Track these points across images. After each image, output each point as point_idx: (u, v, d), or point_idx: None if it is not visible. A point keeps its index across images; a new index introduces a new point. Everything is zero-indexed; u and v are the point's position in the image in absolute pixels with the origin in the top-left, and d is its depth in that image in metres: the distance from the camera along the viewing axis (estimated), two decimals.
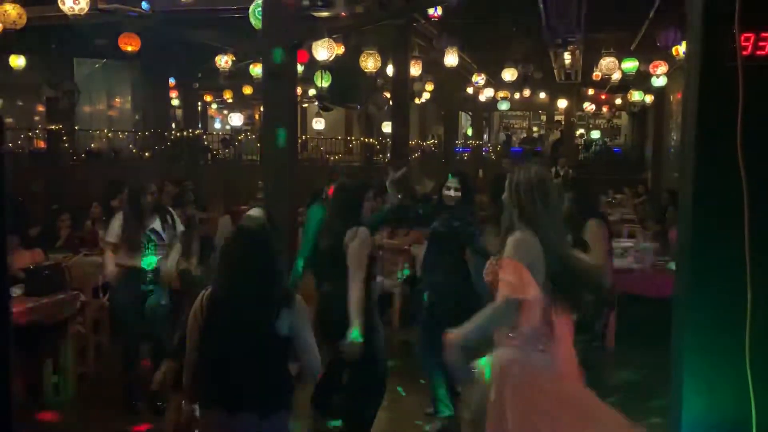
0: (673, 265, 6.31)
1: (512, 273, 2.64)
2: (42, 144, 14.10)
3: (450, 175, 4.49)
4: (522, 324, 2.67)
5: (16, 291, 4.93)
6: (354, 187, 3.96)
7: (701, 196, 1.82)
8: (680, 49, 8.79)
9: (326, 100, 10.89)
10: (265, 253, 2.65)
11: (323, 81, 9.87)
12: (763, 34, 1.75)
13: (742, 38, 1.75)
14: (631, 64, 10.32)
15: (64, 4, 6.36)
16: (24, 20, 6.94)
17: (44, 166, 11.47)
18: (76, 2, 6.32)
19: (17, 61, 10.01)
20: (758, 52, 1.76)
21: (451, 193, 4.35)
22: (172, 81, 15.55)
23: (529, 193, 2.71)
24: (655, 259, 6.37)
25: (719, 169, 1.78)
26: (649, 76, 11.44)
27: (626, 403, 4.46)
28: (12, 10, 6.85)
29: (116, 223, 4.81)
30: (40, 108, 14.45)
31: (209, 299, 2.67)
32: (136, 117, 16.08)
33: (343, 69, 9.56)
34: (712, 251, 1.80)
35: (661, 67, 10.72)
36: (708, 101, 1.80)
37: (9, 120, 15.95)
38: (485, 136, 22.47)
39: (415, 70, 10.19)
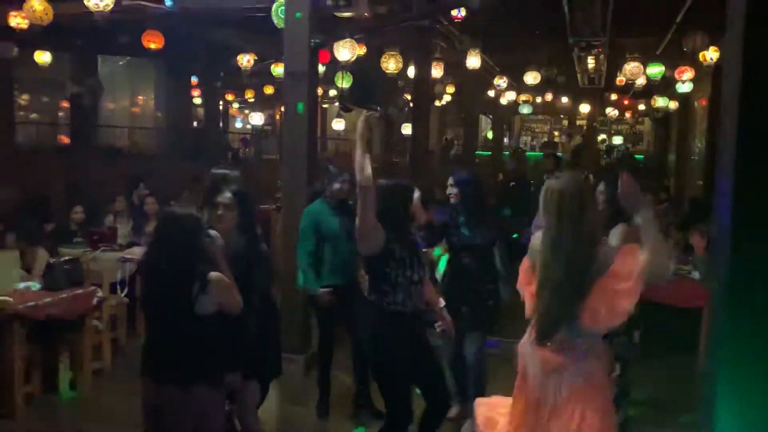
0: (696, 274, 6.21)
1: None
2: (66, 139, 14.25)
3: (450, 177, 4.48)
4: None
5: (35, 286, 4.97)
6: (396, 188, 3.52)
7: (740, 203, 1.74)
8: (707, 55, 8.65)
9: (347, 101, 10.87)
10: (185, 236, 2.88)
11: (344, 82, 9.88)
12: None
13: None
14: (656, 69, 10.15)
15: (89, 0, 6.39)
16: (50, 16, 7.00)
17: (67, 162, 11.57)
18: None
19: (42, 57, 10.11)
20: None
21: (448, 189, 4.36)
22: (194, 79, 15.65)
23: (545, 206, 2.75)
24: (678, 267, 6.25)
25: (761, 174, 1.70)
26: (673, 81, 11.27)
27: (652, 417, 4.39)
28: (38, 6, 6.91)
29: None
30: (65, 104, 14.60)
31: (140, 276, 3.12)
32: (158, 114, 16.20)
33: (364, 70, 9.56)
34: (751, 262, 1.73)
35: (687, 73, 10.54)
36: (749, 103, 1.73)
37: (34, 115, 16.15)
38: (506, 140, 22.32)
39: (437, 72, 10.13)
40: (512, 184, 10.02)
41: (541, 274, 2.74)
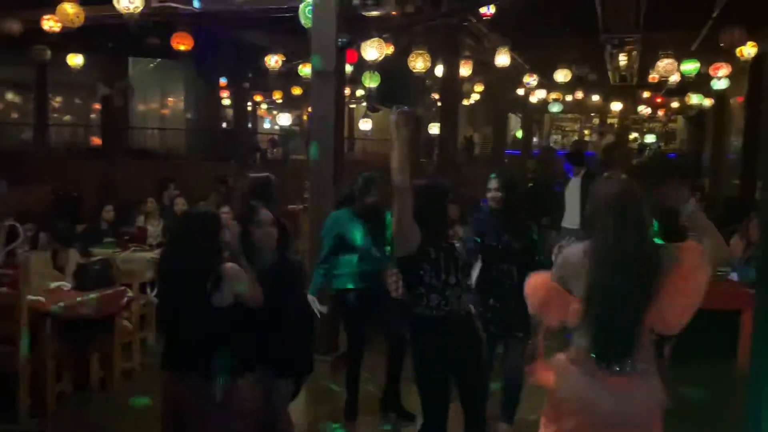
0: (734, 276, 6.02)
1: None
2: (97, 141, 14.49)
3: (492, 174, 4.33)
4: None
5: (66, 285, 5.02)
6: (431, 188, 3.39)
7: None
8: (745, 50, 8.42)
9: (374, 101, 10.83)
10: (200, 232, 2.96)
11: (372, 82, 9.84)
12: None
13: None
14: (691, 66, 9.90)
15: (119, 3, 6.45)
16: (82, 19, 7.09)
17: (99, 163, 11.76)
18: (131, 1, 6.41)
19: (75, 60, 10.26)
20: None
21: (492, 194, 4.20)
22: (223, 81, 15.78)
23: (602, 209, 2.51)
24: (715, 269, 6.06)
25: None
26: (708, 78, 11.00)
27: (689, 429, 4.24)
28: (70, 9, 7.01)
29: None
30: (97, 106, 14.84)
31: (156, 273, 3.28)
32: (188, 116, 16.39)
33: (392, 70, 9.51)
34: None
35: (723, 69, 10.28)
36: None
37: (67, 117, 16.47)
38: (535, 139, 22.09)
39: (465, 70, 10.03)
40: (530, 185, 9.85)
41: (598, 287, 2.47)
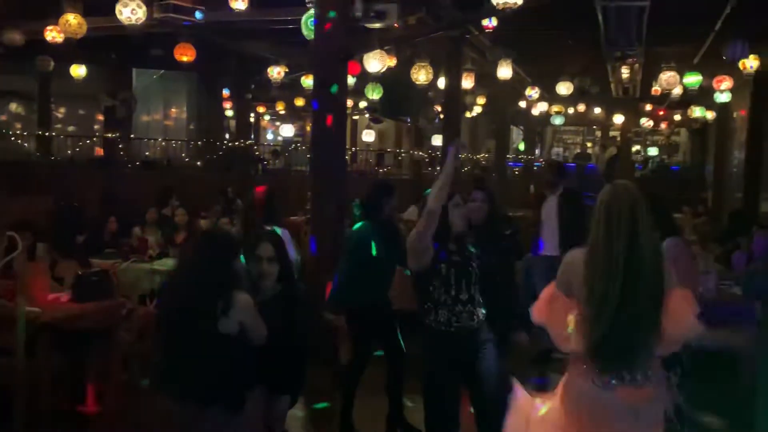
0: (737, 290, 5.97)
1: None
2: (101, 151, 14.50)
3: (476, 187, 4.16)
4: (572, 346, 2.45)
5: (64, 296, 4.99)
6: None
7: None
8: (747, 63, 8.42)
9: (377, 113, 10.86)
10: (218, 256, 2.87)
11: (374, 93, 9.86)
12: None
13: None
14: (693, 79, 9.92)
15: (121, 14, 6.48)
16: (84, 29, 7.13)
17: (101, 174, 11.76)
18: (134, 12, 6.44)
19: (78, 71, 10.31)
20: None
21: (478, 203, 3.93)
22: (226, 92, 15.80)
23: (597, 214, 2.47)
24: (719, 283, 6.02)
25: None
26: (711, 91, 11.01)
27: None
28: (73, 20, 7.04)
29: None
30: (100, 117, 14.87)
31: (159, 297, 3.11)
32: (191, 127, 16.40)
33: (395, 81, 9.53)
34: None
35: (726, 82, 10.28)
36: None
37: (71, 128, 16.51)
38: (537, 151, 22.11)
39: (468, 82, 10.04)
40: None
41: (607, 294, 2.37)
